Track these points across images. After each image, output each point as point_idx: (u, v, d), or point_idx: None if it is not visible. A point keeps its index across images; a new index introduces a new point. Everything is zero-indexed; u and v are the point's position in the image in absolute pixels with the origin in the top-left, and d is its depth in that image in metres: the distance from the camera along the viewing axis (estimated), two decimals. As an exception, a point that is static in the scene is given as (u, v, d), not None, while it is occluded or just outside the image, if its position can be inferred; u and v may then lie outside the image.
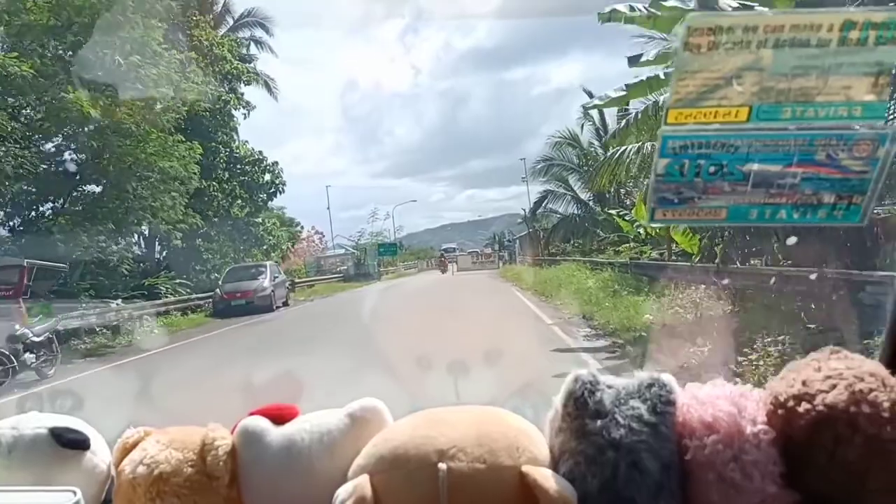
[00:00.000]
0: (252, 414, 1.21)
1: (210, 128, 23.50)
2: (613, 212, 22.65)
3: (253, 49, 29.32)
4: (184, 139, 19.48)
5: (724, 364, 6.32)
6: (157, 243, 23.39)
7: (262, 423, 1.19)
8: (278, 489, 1.16)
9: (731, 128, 1.01)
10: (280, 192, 26.87)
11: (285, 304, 21.87)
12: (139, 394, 8.13)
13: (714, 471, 1.00)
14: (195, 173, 19.85)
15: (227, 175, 24.50)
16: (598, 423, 1.04)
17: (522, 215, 34.37)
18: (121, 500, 1.17)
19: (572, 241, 28.46)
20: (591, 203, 27.46)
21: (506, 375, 6.22)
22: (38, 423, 1.21)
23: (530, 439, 1.10)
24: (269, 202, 27.02)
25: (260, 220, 26.29)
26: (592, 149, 27.39)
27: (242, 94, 26.88)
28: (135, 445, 1.19)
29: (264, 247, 26.52)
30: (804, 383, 1.01)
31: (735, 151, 1.02)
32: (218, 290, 20.26)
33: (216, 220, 23.48)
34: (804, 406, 0.98)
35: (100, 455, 1.24)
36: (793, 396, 1.00)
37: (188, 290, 20.64)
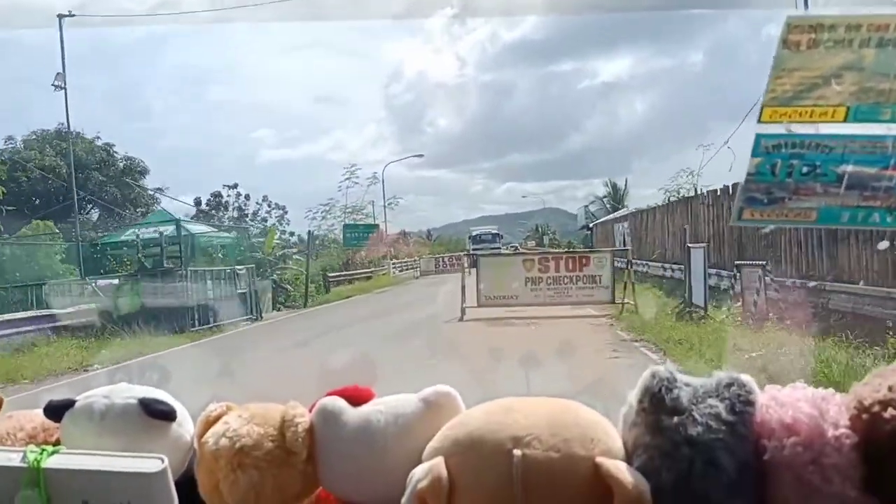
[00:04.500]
0: (329, 394, 1.25)
1: None
2: None
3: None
4: None
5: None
6: None
7: (340, 403, 1.23)
8: (353, 466, 1.20)
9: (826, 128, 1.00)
10: None
11: None
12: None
13: (792, 472, 1.00)
14: None
15: None
16: (675, 419, 1.04)
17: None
18: (203, 470, 1.23)
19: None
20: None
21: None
22: (128, 393, 1.27)
23: (604, 431, 1.11)
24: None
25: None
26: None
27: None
28: (217, 419, 1.24)
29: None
30: (891, 389, 0.99)
31: (830, 152, 1.00)
32: None
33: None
34: (890, 412, 0.97)
35: (184, 427, 1.29)
36: (878, 402, 0.99)
37: None
